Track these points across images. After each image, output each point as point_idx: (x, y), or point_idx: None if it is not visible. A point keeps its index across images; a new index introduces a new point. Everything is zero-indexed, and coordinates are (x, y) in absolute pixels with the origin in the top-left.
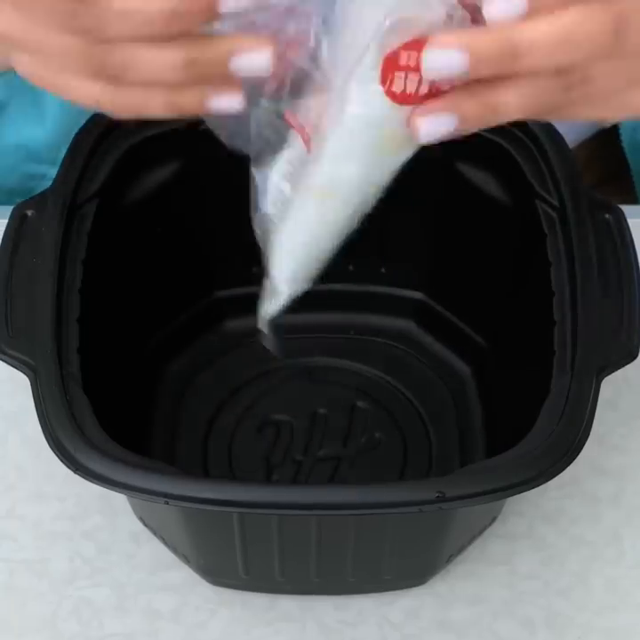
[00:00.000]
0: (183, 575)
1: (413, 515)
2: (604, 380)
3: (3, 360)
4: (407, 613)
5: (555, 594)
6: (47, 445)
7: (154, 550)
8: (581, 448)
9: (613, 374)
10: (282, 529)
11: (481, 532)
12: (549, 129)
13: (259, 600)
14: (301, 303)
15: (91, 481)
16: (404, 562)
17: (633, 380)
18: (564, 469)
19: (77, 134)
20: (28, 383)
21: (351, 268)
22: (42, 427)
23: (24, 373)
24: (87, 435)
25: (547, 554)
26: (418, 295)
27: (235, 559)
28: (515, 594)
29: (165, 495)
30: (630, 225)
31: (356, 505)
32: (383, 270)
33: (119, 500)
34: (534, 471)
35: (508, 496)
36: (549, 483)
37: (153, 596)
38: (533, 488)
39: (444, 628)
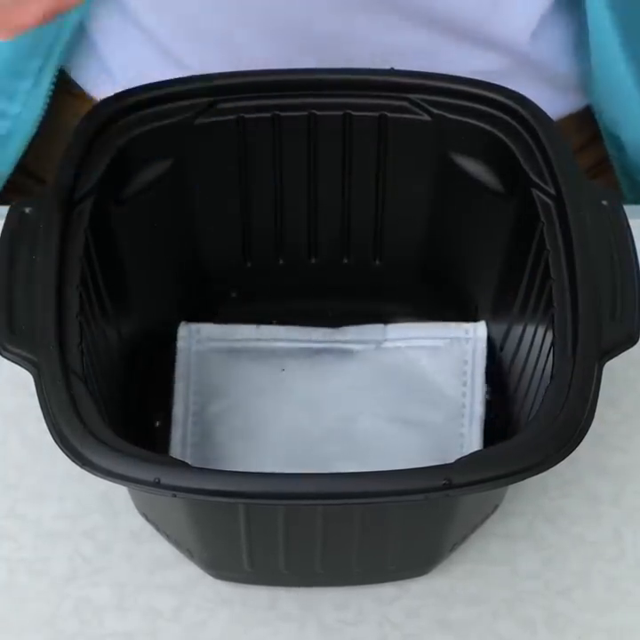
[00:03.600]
0: (183, 574)
1: (418, 503)
2: (604, 380)
3: (5, 357)
4: (407, 613)
5: (555, 594)
6: (47, 445)
7: (154, 549)
8: (585, 432)
9: (613, 374)
10: (288, 519)
11: (483, 520)
12: (543, 117)
13: (259, 599)
14: (297, 297)
15: (97, 475)
16: (409, 551)
17: (633, 380)
18: (569, 454)
19: (74, 131)
20: (28, 383)
21: (346, 260)
22: (47, 423)
23: (27, 370)
24: (92, 430)
25: (547, 553)
26: (413, 285)
27: (240, 551)
28: (515, 594)
29: (173, 488)
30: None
31: (362, 494)
32: (378, 262)
33: (119, 499)
34: (540, 456)
35: (515, 481)
36: (550, 482)
37: (153, 595)
38: (540, 473)
39: (444, 627)
